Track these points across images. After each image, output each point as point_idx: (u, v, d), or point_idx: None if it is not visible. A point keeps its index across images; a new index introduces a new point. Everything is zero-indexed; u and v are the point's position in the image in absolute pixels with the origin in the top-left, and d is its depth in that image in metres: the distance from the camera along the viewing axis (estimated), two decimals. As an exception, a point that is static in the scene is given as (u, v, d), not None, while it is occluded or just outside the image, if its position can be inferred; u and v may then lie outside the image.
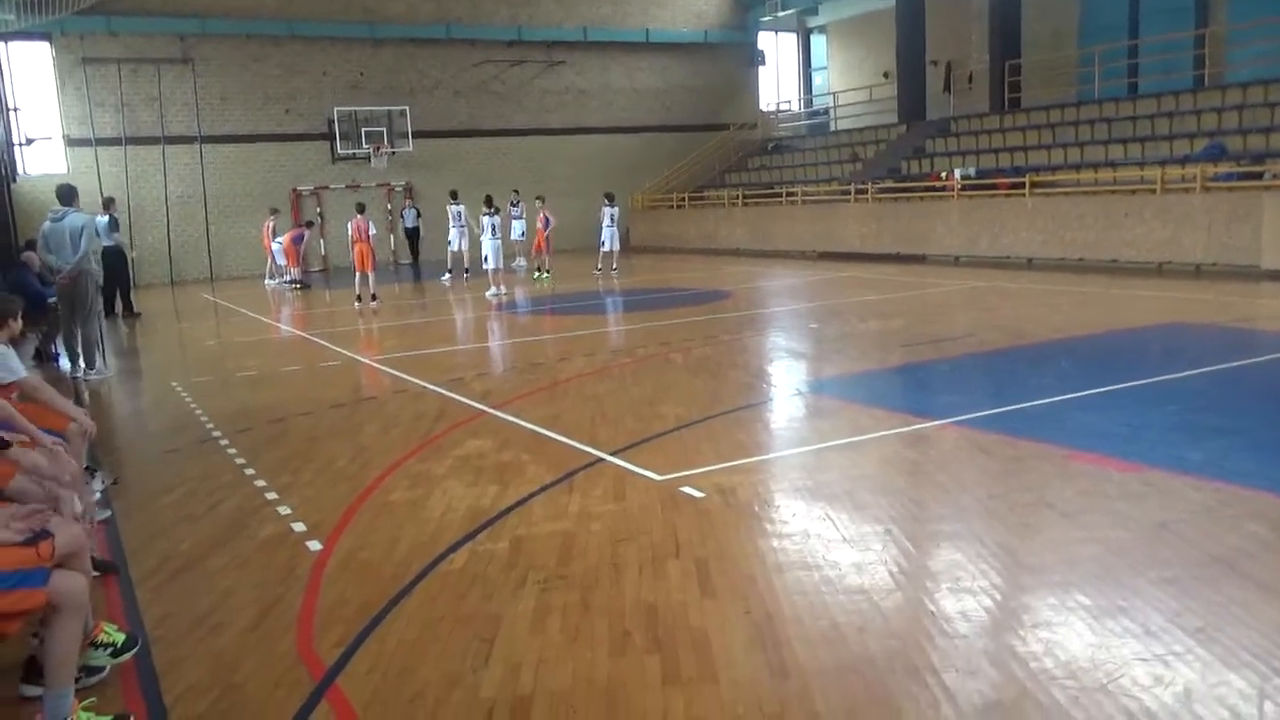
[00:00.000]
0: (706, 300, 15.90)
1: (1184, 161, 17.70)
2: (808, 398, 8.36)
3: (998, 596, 4.03)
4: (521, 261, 23.49)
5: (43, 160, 25.02)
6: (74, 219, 10.85)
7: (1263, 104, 18.43)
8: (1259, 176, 16.01)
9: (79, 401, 9.86)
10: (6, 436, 4.32)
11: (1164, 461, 5.67)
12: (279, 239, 22.88)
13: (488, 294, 17.69)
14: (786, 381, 9.33)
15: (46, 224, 10.90)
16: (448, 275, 21.54)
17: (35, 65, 25.13)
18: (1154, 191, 17.07)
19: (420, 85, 29.13)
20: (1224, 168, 16.86)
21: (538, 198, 23.03)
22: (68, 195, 11.03)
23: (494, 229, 17.74)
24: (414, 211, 27.98)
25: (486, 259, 17.82)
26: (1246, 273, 15.23)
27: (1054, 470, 5.70)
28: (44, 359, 12.33)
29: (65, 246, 10.74)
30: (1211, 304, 12.46)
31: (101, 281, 12.02)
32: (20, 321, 5.43)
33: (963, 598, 4.02)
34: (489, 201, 18.64)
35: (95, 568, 4.83)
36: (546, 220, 21.85)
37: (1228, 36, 21.71)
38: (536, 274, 21.03)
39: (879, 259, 21.85)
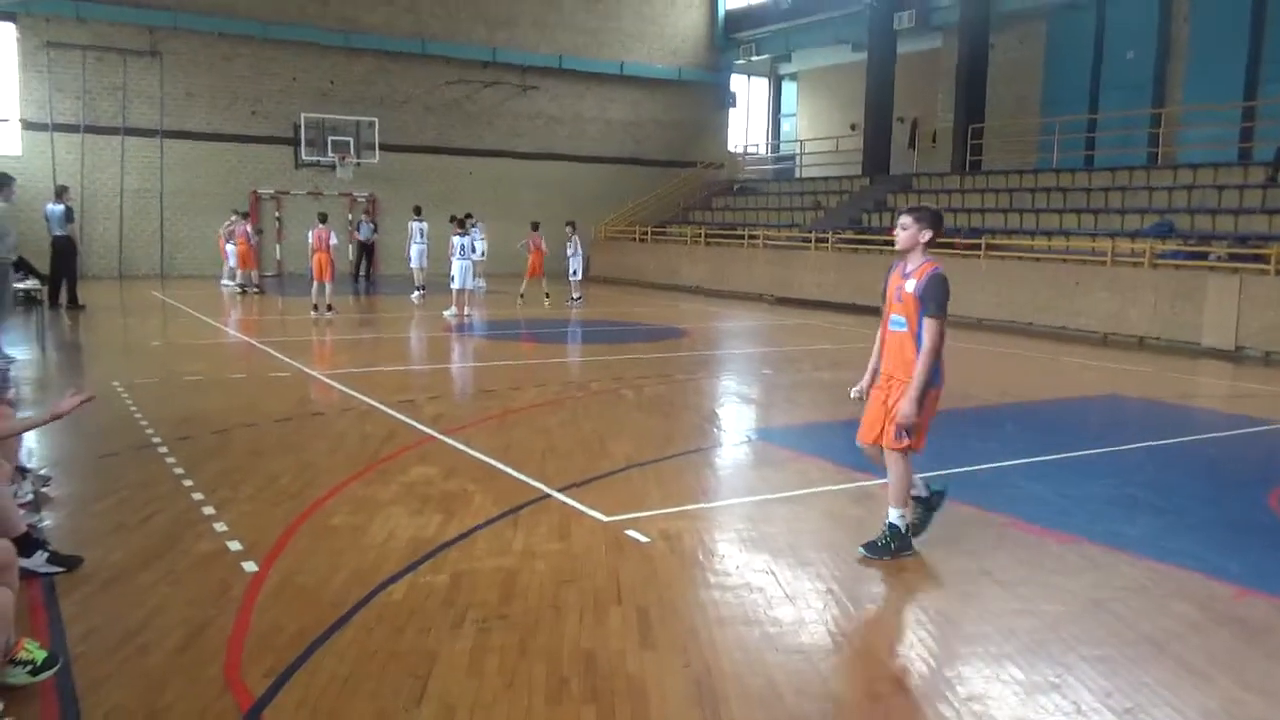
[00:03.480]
0: (663, 337, 15.95)
1: (1134, 236, 18.17)
2: (757, 445, 8.40)
3: (934, 664, 4.07)
4: (481, 283, 23.24)
5: (-5, 141, 24.50)
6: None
7: (1211, 186, 18.99)
8: (1204, 257, 16.49)
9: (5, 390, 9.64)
10: None
11: (1101, 536, 5.78)
12: (232, 242, 22.47)
13: (446, 313, 17.58)
14: (737, 427, 9.37)
15: None
16: (417, 293, 20.86)
17: (-3, 45, 24.68)
18: (1104, 263, 17.50)
19: (391, 98, 29.02)
20: (1171, 245, 17.33)
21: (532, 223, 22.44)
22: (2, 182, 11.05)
23: (461, 249, 17.64)
24: (370, 225, 27.69)
25: (453, 279, 17.65)
26: (1187, 349, 15.63)
27: (994, 538, 5.78)
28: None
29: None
30: (1153, 378, 12.76)
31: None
32: None
33: (900, 664, 4.05)
34: (460, 222, 18.56)
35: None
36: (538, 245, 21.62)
37: (1182, 117, 22.41)
38: (521, 298, 21.26)
39: (836, 308, 22.08)
